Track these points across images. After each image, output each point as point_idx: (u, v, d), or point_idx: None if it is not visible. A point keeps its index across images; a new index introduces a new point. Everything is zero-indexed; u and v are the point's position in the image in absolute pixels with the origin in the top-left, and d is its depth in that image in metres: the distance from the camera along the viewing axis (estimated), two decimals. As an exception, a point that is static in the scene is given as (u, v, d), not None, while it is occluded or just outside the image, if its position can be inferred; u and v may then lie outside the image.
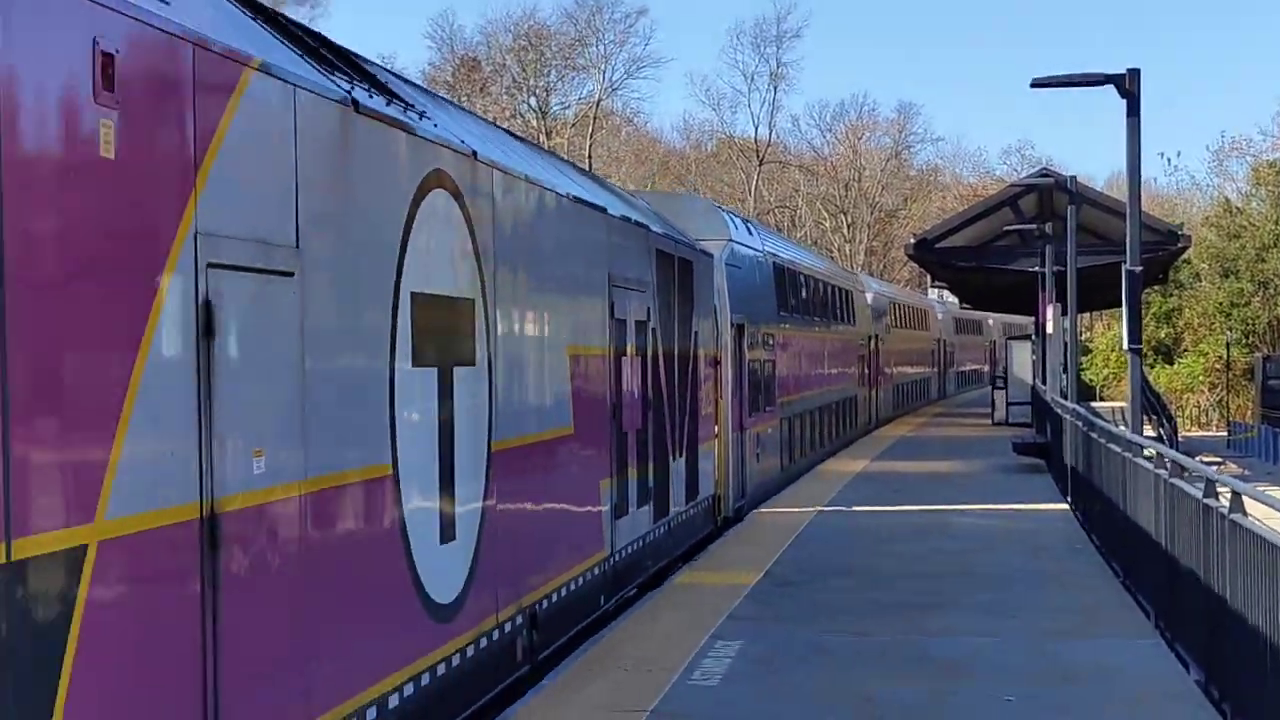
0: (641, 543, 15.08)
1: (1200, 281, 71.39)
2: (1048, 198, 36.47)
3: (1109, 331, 76.45)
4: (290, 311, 7.26)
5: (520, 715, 10.02)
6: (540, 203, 11.99)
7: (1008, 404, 42.81)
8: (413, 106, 9.57)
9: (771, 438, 24.26)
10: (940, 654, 11.94)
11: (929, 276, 59.28)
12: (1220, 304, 67.01)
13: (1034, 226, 35.79)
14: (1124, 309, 17.72)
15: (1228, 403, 58.87)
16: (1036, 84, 18.94)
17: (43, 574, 5.27)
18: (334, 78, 8.21)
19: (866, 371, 39.33)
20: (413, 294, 8.94)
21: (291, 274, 7.27)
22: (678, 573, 16.17)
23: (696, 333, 18.18)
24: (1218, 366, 61.34)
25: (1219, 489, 10.91)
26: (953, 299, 64.07)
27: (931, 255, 40.56)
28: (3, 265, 5.08)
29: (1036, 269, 36.74)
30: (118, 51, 5.74)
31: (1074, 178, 30.79)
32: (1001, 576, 15.89)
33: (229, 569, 6.55)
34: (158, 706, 6.05)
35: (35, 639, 5.23)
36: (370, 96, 8.61)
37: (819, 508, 21.79)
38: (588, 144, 73.15)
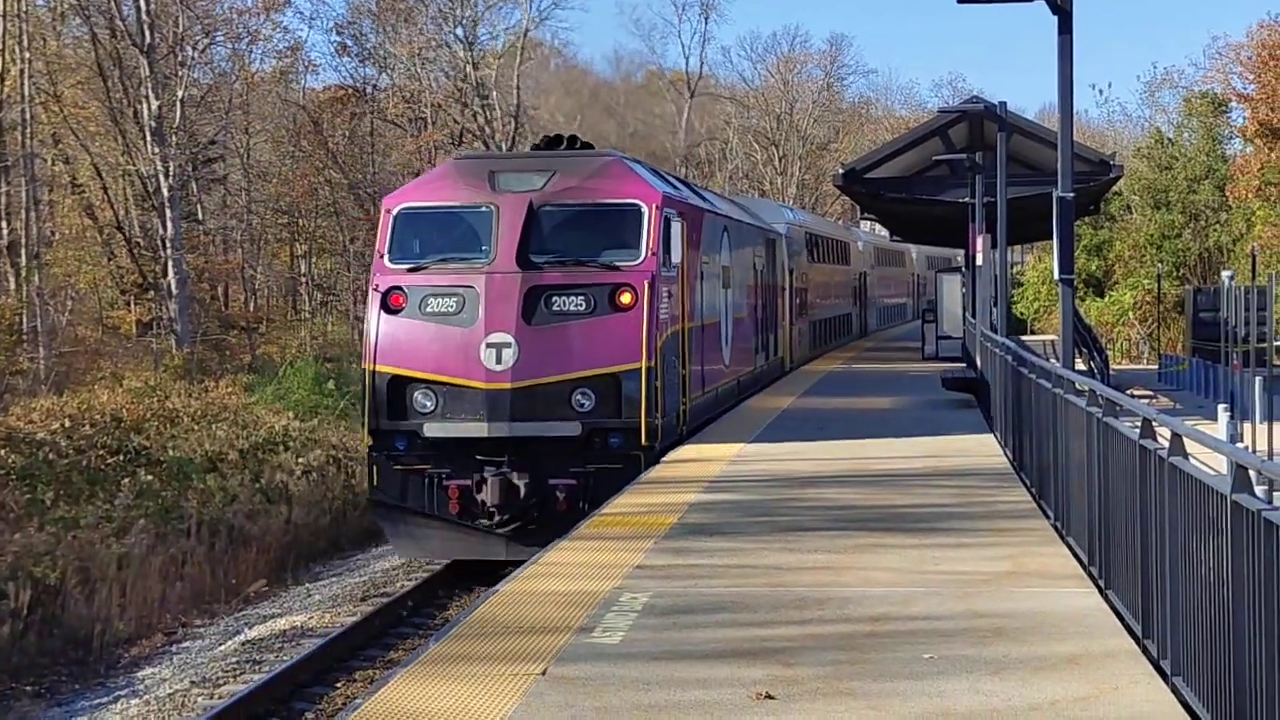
0: (762, 368, 32.35)
1: (1131, 213, 71.07)
2: (978, 127, 35.79)
3: (1040, 264, 76.04)
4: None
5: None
6: (740, 226, 30.10)
7: (937, 338, 42.27)
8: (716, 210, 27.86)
9: (804, 331, 40.89)
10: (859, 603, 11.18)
11: (858, 208, 58.56)
12: (1151, 236, 66.71)
13: (964, 156, 35.06)
14: (1055, 238, 16.96)
15: (1159, 335, 58.56)
16: None
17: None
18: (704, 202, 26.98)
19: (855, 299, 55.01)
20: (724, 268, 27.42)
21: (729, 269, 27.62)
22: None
23: (776, 272, 34.83)
24: (1148, 299, 61.01)
25: (1157, 429, 10.14)
26: (883, 231, 63.38)
27: (860, 186, 39.80)
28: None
29: (966, 200, 36.04)
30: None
31: (1004, 103, 30.04)
32: (927, 517, 15.15)
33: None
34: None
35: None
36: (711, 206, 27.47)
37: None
38: (515, 76, 71.83)
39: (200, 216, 58.16)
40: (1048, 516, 15.06)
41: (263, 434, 29.31)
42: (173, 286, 46.94)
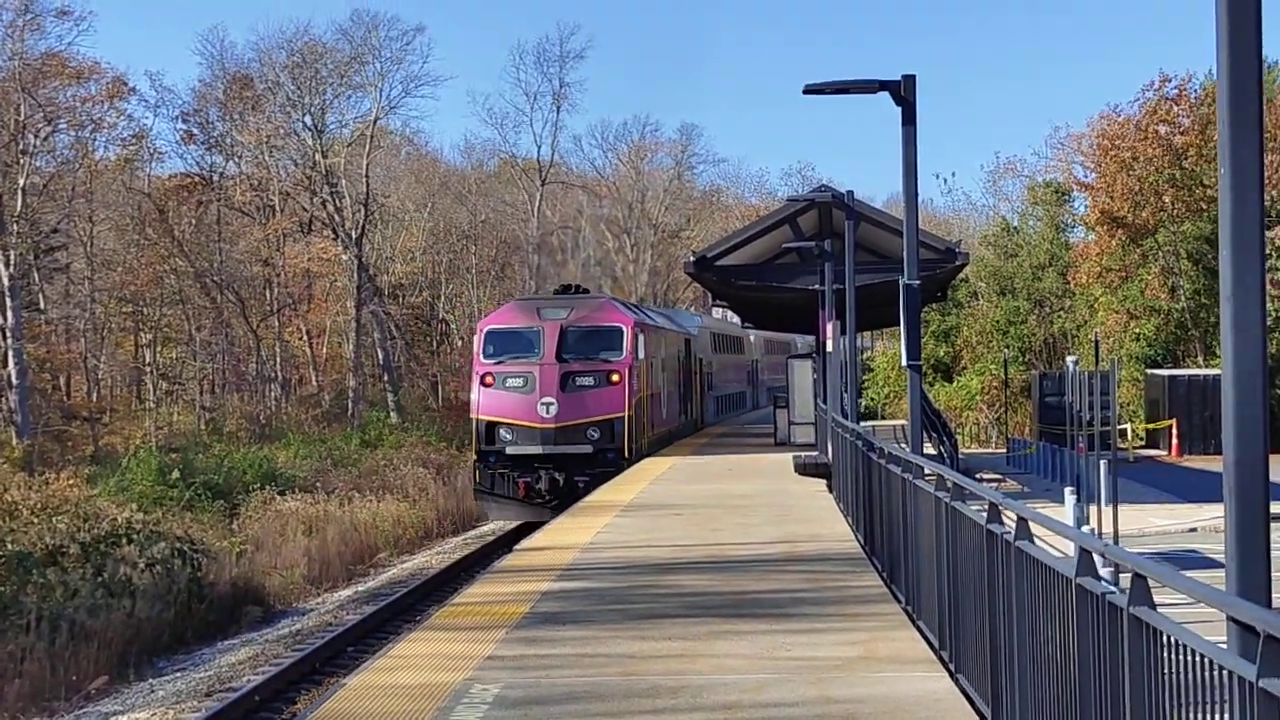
0: (684, 422, 46.47)
1: (978, 300, 72.31)
2: (826, 215, 36.27)
3: (889, 351, 77.01)
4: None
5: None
6: (669, 333, 45.63)
7: (790, 423, 42.55)
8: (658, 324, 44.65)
9: (712, 400, 55.65)
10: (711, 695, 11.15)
11: (710, 296, 59.00)
12: (997, 322, 67.89)
13: (813, 244, 35.51)
14: (902, 324, 17.20)
15: (1006, 420, 59.48)
16: (810, 90, 18.37)
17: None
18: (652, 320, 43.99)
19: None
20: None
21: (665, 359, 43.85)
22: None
23: (691, 360, 48.90)
24: (995, 384, 61.99)
25: (1003, 513, 10.27)
26: (734, 318, 63.94)
27: (711, 273, 40.11)
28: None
29: (816, 287, 36.45)
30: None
31: (851, 192, 30.51)
32: (781, 603, 15.19)
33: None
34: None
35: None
36: (658, 323, 45.06)
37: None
38: (364, 163, 71.66)
39: (42, 305, 57.18)
40: (899, 600, 15.17)
41: (105, 526, 28.70)
42: (13, 377, 46.03)
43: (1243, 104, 6.49)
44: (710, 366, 55.95)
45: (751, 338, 69.56)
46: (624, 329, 38.06)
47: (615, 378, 37.24)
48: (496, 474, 37.00)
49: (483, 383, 37.37)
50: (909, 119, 17.14)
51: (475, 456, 37.59)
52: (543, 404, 36.85)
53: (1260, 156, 6.48)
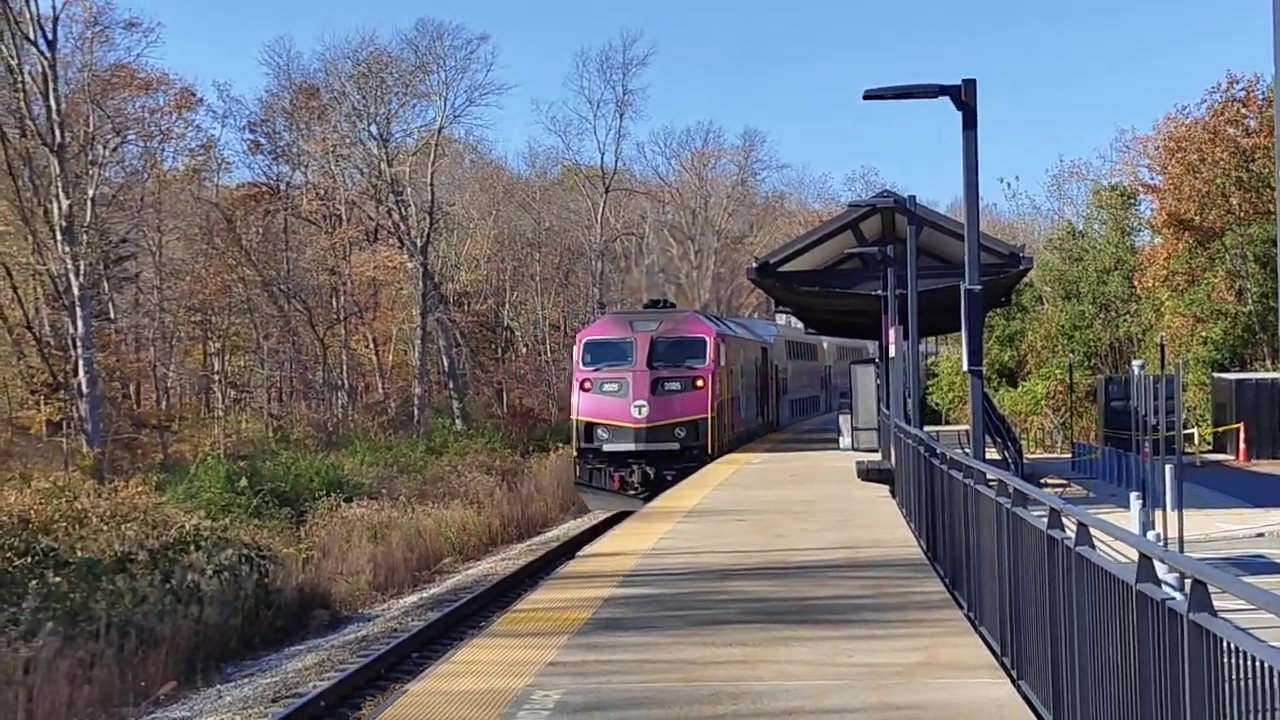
0: (762, 423, 51.90)
1: (1043, 304, 71.87)
2: (889, 220, 36.10)
3: (953, 356, 76.61)
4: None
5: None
6: (748, 342, 50.90)
7: (853, 429, 42.40)
8: (738, 335, 49.37)
9: (786, 403, 59.76)
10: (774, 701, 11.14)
11: (773, 302, 58.92)
12: (1062, 326, 67.45)
13: (876, 249, 35.38)
14: (964, 329, 17.12)
15: (1071, 424, 59.05)
16: (870, 95, 18.31)
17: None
18: (732, 331, 48.58)
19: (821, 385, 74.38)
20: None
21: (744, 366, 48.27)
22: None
23: (768, 366, 53.42)
24: (1060, 389, 61.57)
25: (1064, 519, 10.21)
26: (797, 323, 63.89)
27: (774, 279, 40.01)
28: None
29: (879, 292, 36.31)
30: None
31: (914, 197, 30.36)
32: (842, 609, 15.15)
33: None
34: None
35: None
36: (737, 333, 49.31)
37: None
38: (429, 172, 71.98)
39: (112, 315, 57.73)
40: (961, 607, 15.10)
41: (173, 533, 28.96)
42: (83, 386, 46.50)
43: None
44: (785, 372, 60.59)
45: (825, 345, 72.51)
46: (707, 339, 42.57)
47: (699, 383, 41.72)
48: (594, 469, 41.44)
49: (582, 387, 41.85)
50: (970, 123, 17.04)
51: (575, 453, 42.10)
52: (635, 406, 41.13)
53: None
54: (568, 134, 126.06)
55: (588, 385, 41.57)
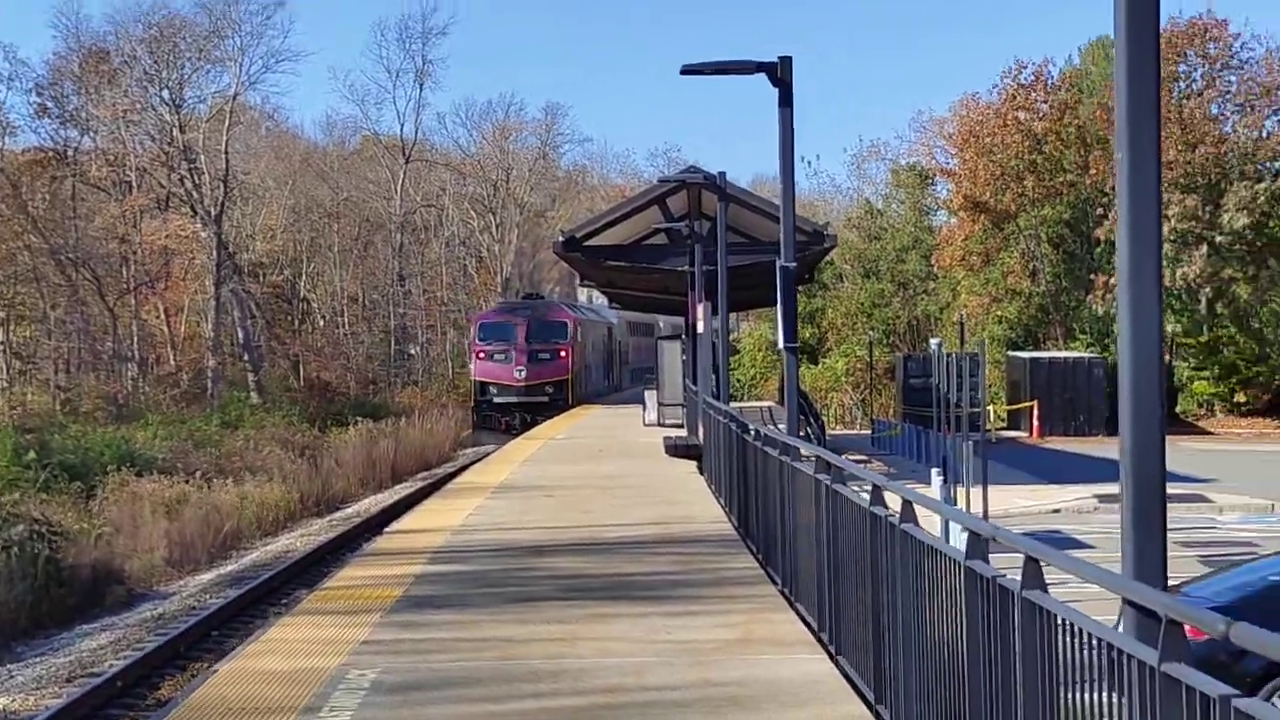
0: (610, 385, 70.47)
1: (843, 282, 72.96)
2: (696, 196, 36.30)
3: (755, 332, 77.37)
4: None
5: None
6: (598, 322, 69.24)
7: (659, 404, 42.53)
8: (590, 318, 67.62)
9: (627, 371, 75.61)
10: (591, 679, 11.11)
11: (578, 276, 59.06)
12: (862, 304, 68.60)
13: (683, 225, 35.57)
14: (779, 306, 17.24)
15: (871, 401, 60.10)
16: (687, 70, 18.32)
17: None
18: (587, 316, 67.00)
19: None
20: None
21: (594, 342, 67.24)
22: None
23: (616, 341, 74.05)
24: (860, 366, 62.61)
25: (886, 494, 10.32)
26: (600, 298, 64.14)
27: (580, 253, 40.03)
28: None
29: (686, 268, 36.52)
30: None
31: (723, 173, 30.56)
32: (657, 585, 15.18)
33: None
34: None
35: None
36: (590, 317, 67.87)
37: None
38: (224, 139, 70.61)
39: (-111, 282, 55.72)
40: (775, 583, 15.22)
41: (-43, 509, 28.05)
42: None
43: (1141, 89, 6.52)
44: (626, 346, 78.53)
45: (661, 323, 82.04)
46: (568, 323, 59.16)
47: (563, 354, 57.94)
48: (487, 415, 57.80)
49: (477, 356, 58.69)
50: (786, 100, 17.16)
51: (473, 404, 59.01)
52: (517, 370, 57.48)
53: (1158, 141, 6.53)
54: (366, 103, 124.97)
55: (482, 355, 58.15)
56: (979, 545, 7.85)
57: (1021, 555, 7.00)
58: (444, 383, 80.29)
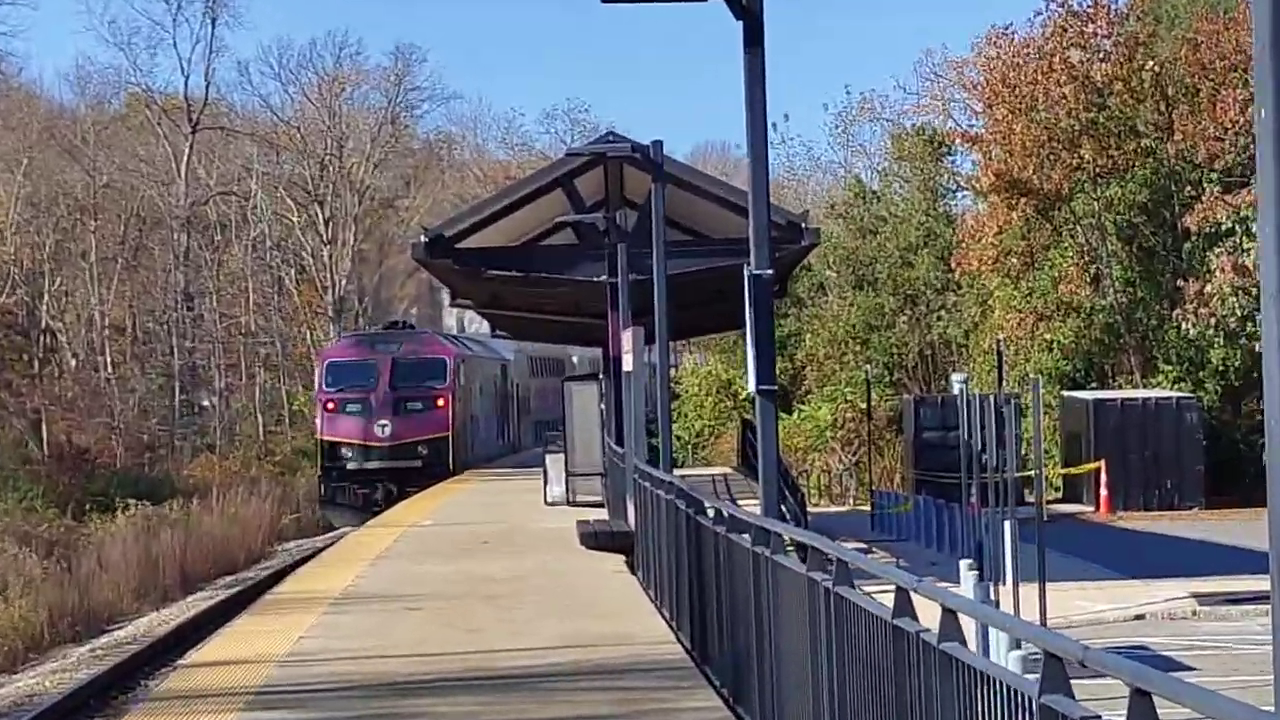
0: (504, 445, 73.93)
1: (825, 295, 73.17)
2: (617, 175, 36.35)
3: (702, 369, 77.60)
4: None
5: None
6: (486, 360, 73.56)
7: (567, 474, 41.90)
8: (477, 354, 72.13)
9: (529, 424, 79.76)
10: None
11: (448, 294, 58.97)
12: (854, 326, 68.71)
13: (601, 217, 35.66)
14: (749, 332, 17.24)
15: (868, 465, 60.16)
16: (612, -2, 18.36)
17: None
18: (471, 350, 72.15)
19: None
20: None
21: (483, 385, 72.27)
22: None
23: (513, 384, 78.37)
24: (852, 415, 62.67)
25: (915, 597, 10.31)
26: (484, 326, 64.18)
27: (451, 259, 39.89)
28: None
29: (604, 278, 36.55)
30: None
31: (659, 143, 30.65)
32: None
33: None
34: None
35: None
36: (474, 352, 71.68)
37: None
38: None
39: None
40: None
41: None
42: None
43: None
44: (528, 391, 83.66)
45: (574, 358, 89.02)
46: (447, 360, 61.81)
47: (440, 402, 60.33)
48: (338, 487, 59.41)
49: (325, 408, 60.51)
50: (755, 38, 17.14)
51: (320, 472, 60.72)
52: (379, 425, 59.36)
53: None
54: (134, 48, 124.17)
55: (331, 406, 60.36)
56: (1057, 673, 7.83)
57: (1122, 685, 6.98)
58: (254, 447, 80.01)
